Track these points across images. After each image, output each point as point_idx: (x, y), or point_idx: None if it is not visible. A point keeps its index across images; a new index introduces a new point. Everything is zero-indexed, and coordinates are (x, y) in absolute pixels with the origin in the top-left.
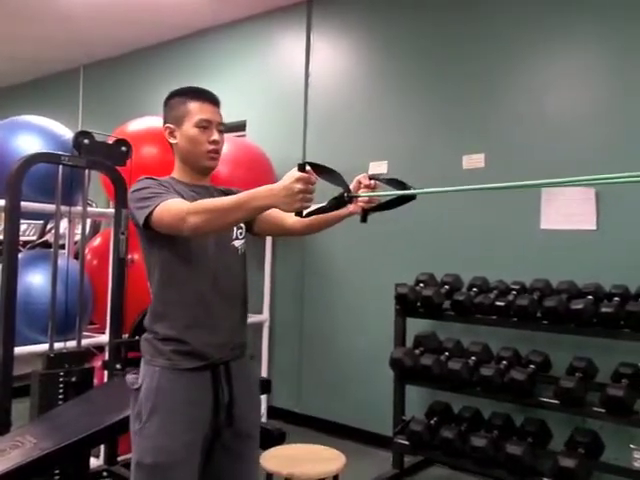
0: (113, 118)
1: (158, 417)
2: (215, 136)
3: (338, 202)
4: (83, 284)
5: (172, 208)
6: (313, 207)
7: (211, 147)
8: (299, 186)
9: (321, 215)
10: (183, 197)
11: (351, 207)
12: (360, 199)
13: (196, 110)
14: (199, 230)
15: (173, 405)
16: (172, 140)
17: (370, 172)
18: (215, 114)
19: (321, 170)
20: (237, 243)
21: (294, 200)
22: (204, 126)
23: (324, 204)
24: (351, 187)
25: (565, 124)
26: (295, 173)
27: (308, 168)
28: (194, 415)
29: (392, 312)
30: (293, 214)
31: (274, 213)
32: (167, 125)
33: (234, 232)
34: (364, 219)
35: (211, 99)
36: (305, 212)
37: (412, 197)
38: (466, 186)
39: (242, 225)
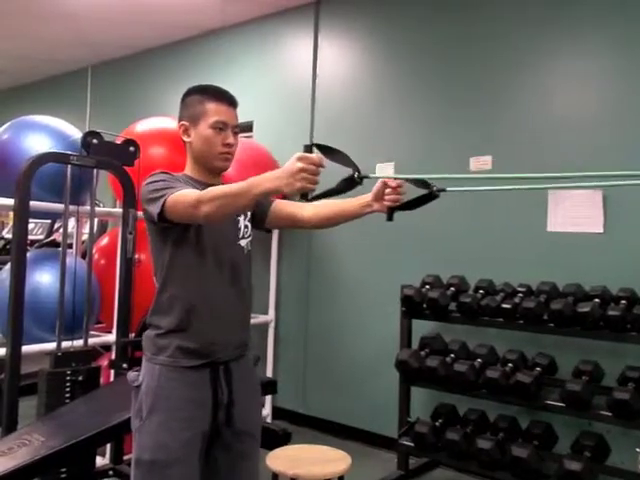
0: (121, 118)
1: (157, 415)
2: (230, 139)
3: (348, 183)
4: (90, 283)
5: (185, 197)
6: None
7: (225, 149)
8: (299, 165)
9: (339, 209)
10: None
11: (376, 206)
12: (387, 198)
13: (213, 111)
14: (211, 216)
15: (173, 403)
16: (186, 138)
17: (377, 173)
18: (232, 116)
19: (329, 151)
20: (243, 242)
21: (295, 180)
22: (220, 127)
23: (333, 187)
24: (375, 189)
25: (572, 125)
26: (297, 153)
27: (315, 151)
28: (193, 413)
29: (398, 313)
30: (305, 204)
31: (288, 206)
32: (182, 122)
33: (240, 231)
34: (390, 218)
35: (229, 100)
36: (312, 195)
37: (435, 196)
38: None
39: (248, 224)
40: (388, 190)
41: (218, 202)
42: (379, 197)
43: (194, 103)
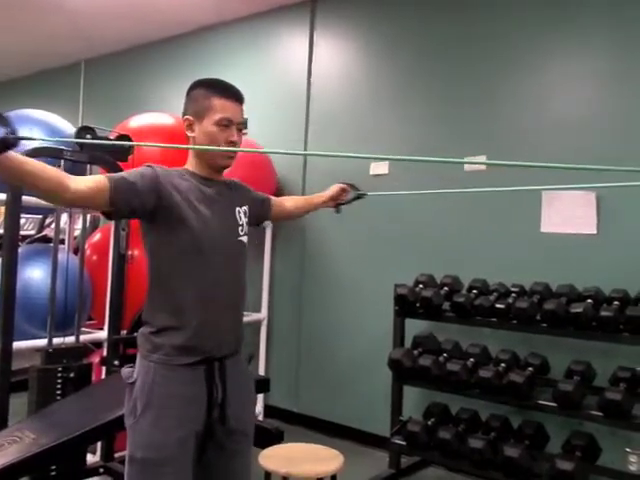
0: (114, 114)
1: (151, 413)
2: (234, 137)
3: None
4: (82, 279)
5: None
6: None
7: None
8: None
9: (308, 203)
10: (185, 191)
11: (331, 203)
12: (341, 199)
13: (219, 107)
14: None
15: (167, 401)
16: (190, 133)
17: (371, 173)
18: (237, 113)
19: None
20: (245, 238)
21: None
22: (225, 125)
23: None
24: (332, 193)
25: (570, 126)
26: None
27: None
28: (187, 412)
29: (391, 312)
30: (286, 198)
31: (283, 203)
32: (187, 117)
33: (243, 227)
34: (338, 211)
35: (235, 96)
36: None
37: (360, 197)
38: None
39: (244, 221)
40: (344, 194)
41: None
42: (335, 198)
43: (199, 98)
